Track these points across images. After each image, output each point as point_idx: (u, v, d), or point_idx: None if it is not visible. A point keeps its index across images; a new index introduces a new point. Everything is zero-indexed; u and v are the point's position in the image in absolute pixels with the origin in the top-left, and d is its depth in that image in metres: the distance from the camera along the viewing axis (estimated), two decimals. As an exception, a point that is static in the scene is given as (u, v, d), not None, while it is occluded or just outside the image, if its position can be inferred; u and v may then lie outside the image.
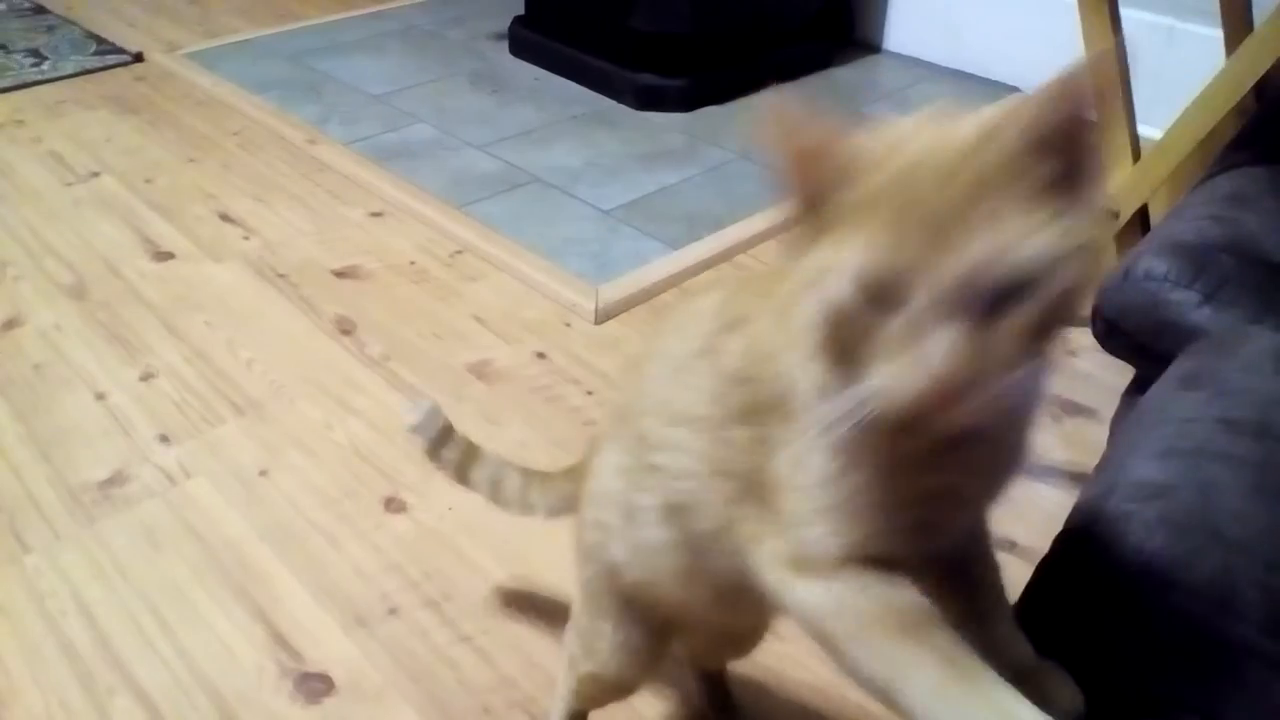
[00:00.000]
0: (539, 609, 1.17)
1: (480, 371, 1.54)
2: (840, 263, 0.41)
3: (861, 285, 0.40)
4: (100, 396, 1.48)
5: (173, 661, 1.11)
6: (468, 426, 1.44)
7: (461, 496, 1.32)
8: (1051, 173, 0.39)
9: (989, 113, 0.42)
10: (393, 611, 1.17)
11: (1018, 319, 0.37)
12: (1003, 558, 1.24)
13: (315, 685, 1.08)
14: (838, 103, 2.43)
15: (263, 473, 1.35)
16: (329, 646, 1.13)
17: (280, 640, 1.13)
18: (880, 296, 0.39)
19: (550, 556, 1.24)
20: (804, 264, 0.44)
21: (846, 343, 0.41)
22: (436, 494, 1.32)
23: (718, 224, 1.91)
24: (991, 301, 0.37)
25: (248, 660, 1.11)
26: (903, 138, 0.43)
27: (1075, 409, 1.47)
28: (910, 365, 0.37)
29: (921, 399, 0.37)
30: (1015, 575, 1.23)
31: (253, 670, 1.10)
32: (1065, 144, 0.39)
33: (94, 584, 1.20)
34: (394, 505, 1.31)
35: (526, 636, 1.14)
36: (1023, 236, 0.37)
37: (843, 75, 2.60)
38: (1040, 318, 0.38)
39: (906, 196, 0.40)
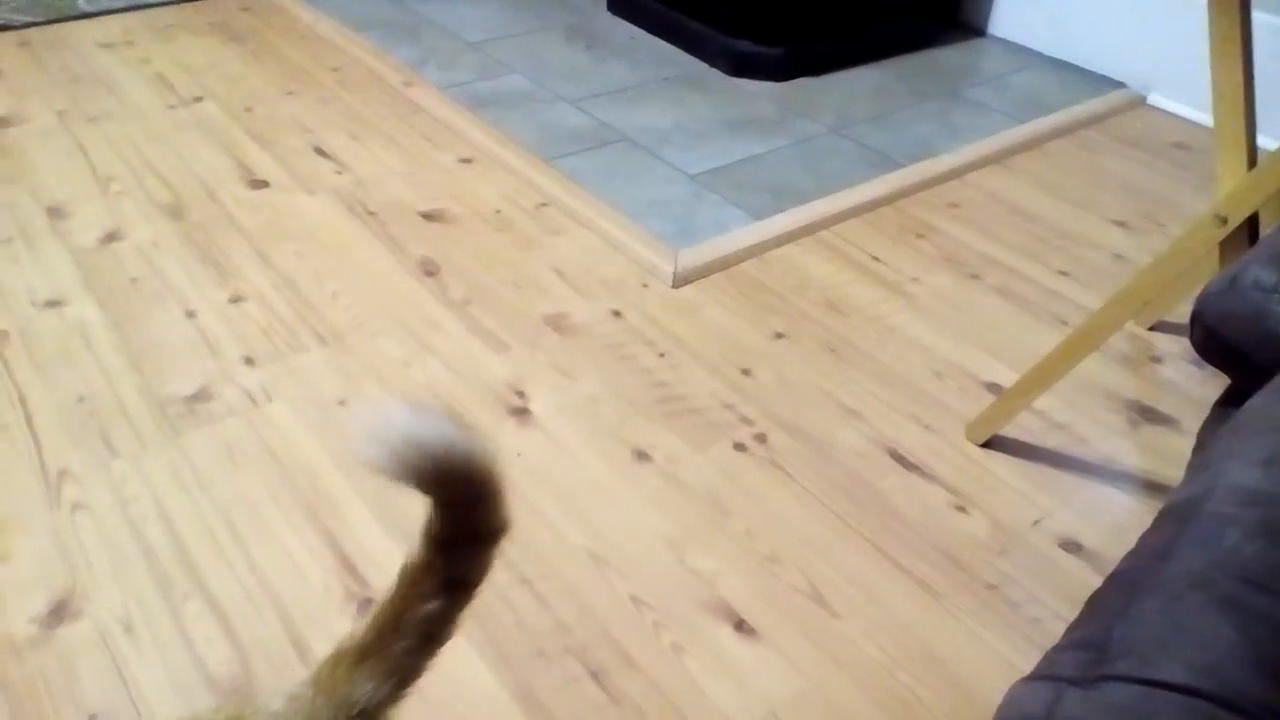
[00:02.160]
0: (598, 559, 1.19)
1: (557, 324, 1.56)
2: None
3: None
4: (190, 314, 1.53)
5: (244, 575, 1.15)
6: (541, 376, 1.46)
7: (530, 444, 1.35)
8: None
9: None
10: (456, 548, 1.19)
11: None
12: (1068, 559, 1.23)
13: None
14: (937, 84, 2.39)
15: (341, 402, 1.39)
16: (394, 576, 1.16)
17: (348, 565, 1.17)
18: None
19: (613, 510, 1.26)
20: None
21: None
22: (506, 440, 1.34)
23: (802, 197, 1.90)
24: None
25: (316, 580, 1.15)
26: None
27: (1155, 416, 1.44)
28: None
29: None
30: (1082, 579, 1.22)
31: (320, 590, 1.14)
32: None
33: (175, 493, 1.25)
34: (464, 446, 1.33)
35: (584, 585, 1.16)
36: None
37: (944, 56, 2.54)
38: None
39: None
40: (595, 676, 1.07)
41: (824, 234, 1.82)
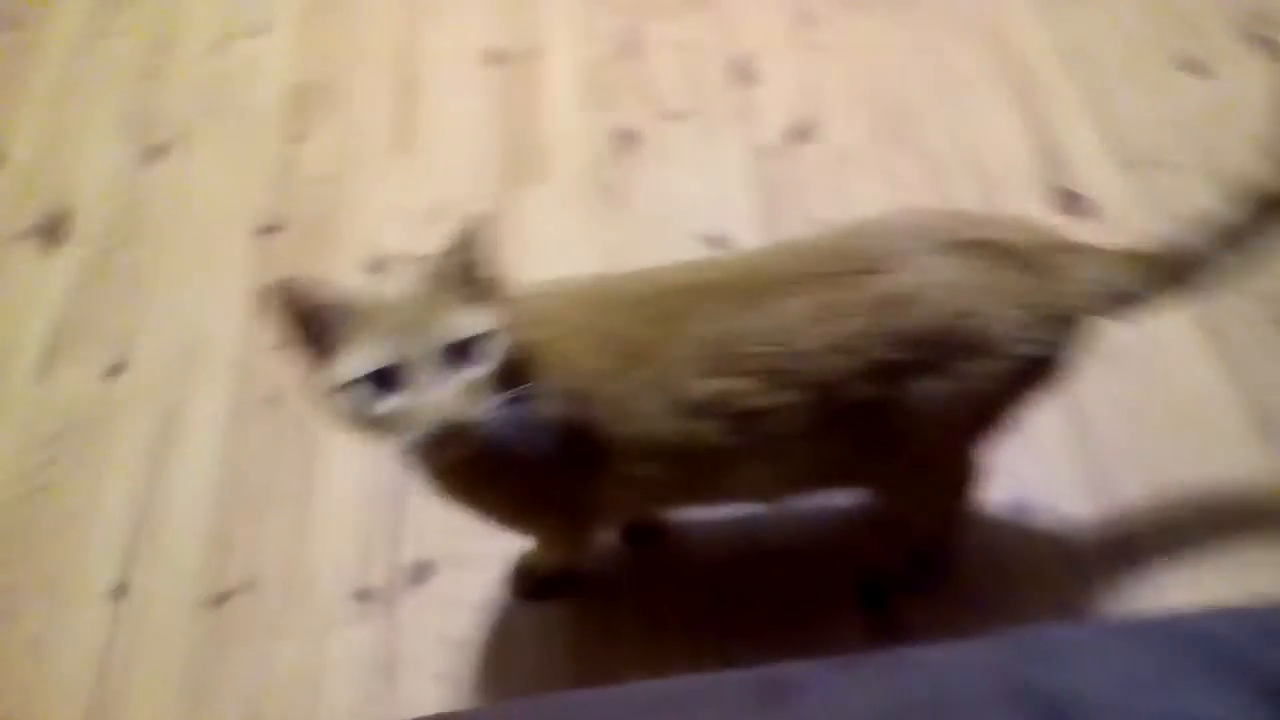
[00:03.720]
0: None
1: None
2: (348, 369, 0.64)
3: (367, 375, 0.64)
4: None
5: (955, 137, 1.26)
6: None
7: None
8: (467, 286, 0.66)
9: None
10: (1157, 165, 1.18)
11: (475, 372, 0.64)
12: None
13: (1073, 203, 1.18)
14: None
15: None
16: (1096, 175, 1.20)
17: (1051, 154, 1.22)
18: (384, 379, 0.64)
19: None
20: (325, 375, 0.65)
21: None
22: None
23: None
24: (451, 360, 0.64)
25: (1017, 158, 1.22)
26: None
27: None
28: (421, 411, 0.63)
29: (432, 427, 0.63)
30: None
31: (1019, 168, 1.22)
32: (466, 273, 0.66)
33: (905, 51, 1.36)
34: (1191, 66, 1.26)
35: None
36: (459, 319, 0.65)
37: None
38: (490, 374, 0.65)
39: (381, 315, 0.65)
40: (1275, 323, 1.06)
41: None
